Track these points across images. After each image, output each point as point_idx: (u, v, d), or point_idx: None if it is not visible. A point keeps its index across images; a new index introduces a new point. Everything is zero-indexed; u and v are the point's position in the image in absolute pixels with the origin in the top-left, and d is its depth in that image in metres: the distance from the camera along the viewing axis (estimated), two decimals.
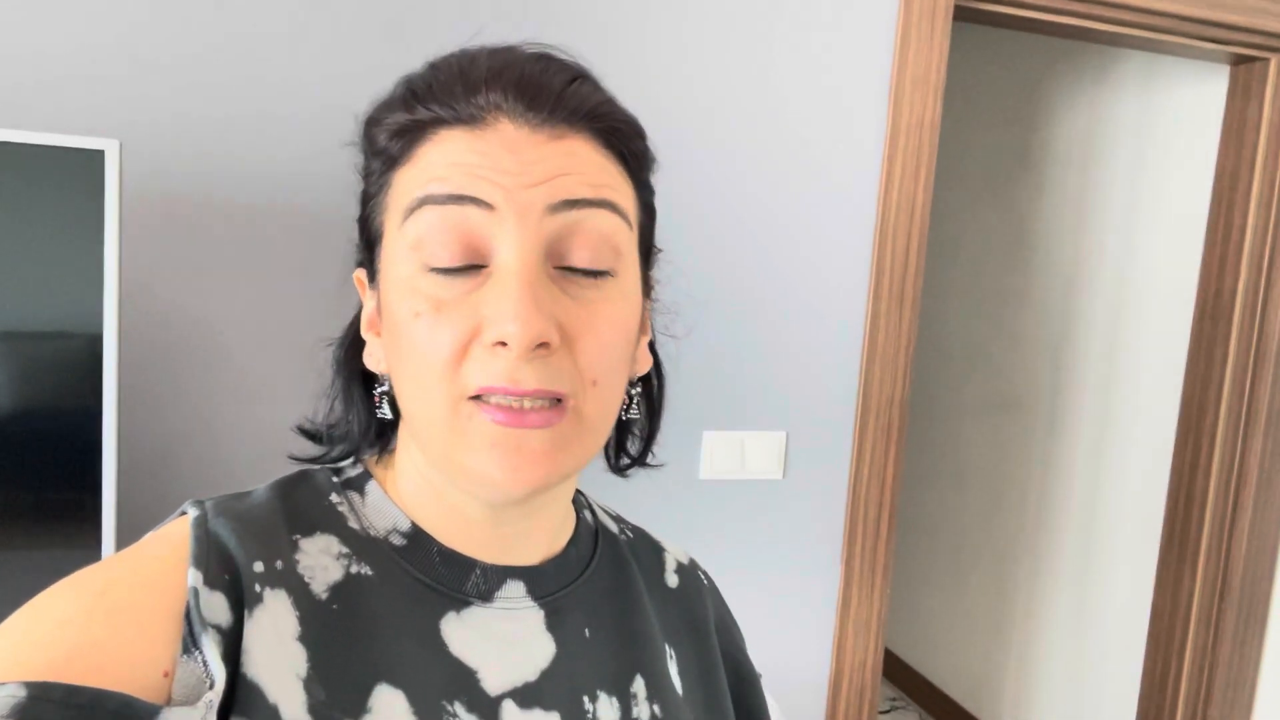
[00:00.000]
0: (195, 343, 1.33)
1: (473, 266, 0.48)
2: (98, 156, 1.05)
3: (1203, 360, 2.07)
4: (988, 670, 2.88)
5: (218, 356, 1.34)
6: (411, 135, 0.51)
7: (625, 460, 0.65)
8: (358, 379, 0.59)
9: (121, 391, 1.11)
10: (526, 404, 0.47)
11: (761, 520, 1.64)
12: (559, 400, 0.48)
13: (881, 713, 3.10)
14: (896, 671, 3.28)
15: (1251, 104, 1.97)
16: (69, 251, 1.06)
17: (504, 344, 0.46)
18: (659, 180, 0.58)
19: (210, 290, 1.32)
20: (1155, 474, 2.26)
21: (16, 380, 1.07)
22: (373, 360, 0.56)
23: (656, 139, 0.57)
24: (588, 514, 0.66)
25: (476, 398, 0.48)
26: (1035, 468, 2.72)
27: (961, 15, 1.68)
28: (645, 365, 0.60)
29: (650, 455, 0.65)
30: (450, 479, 0.52)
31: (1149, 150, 2.35)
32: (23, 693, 0.38)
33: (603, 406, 0.51)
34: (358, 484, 0.57)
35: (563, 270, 0.49)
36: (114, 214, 1.06)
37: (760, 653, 1.68)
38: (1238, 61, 1.98)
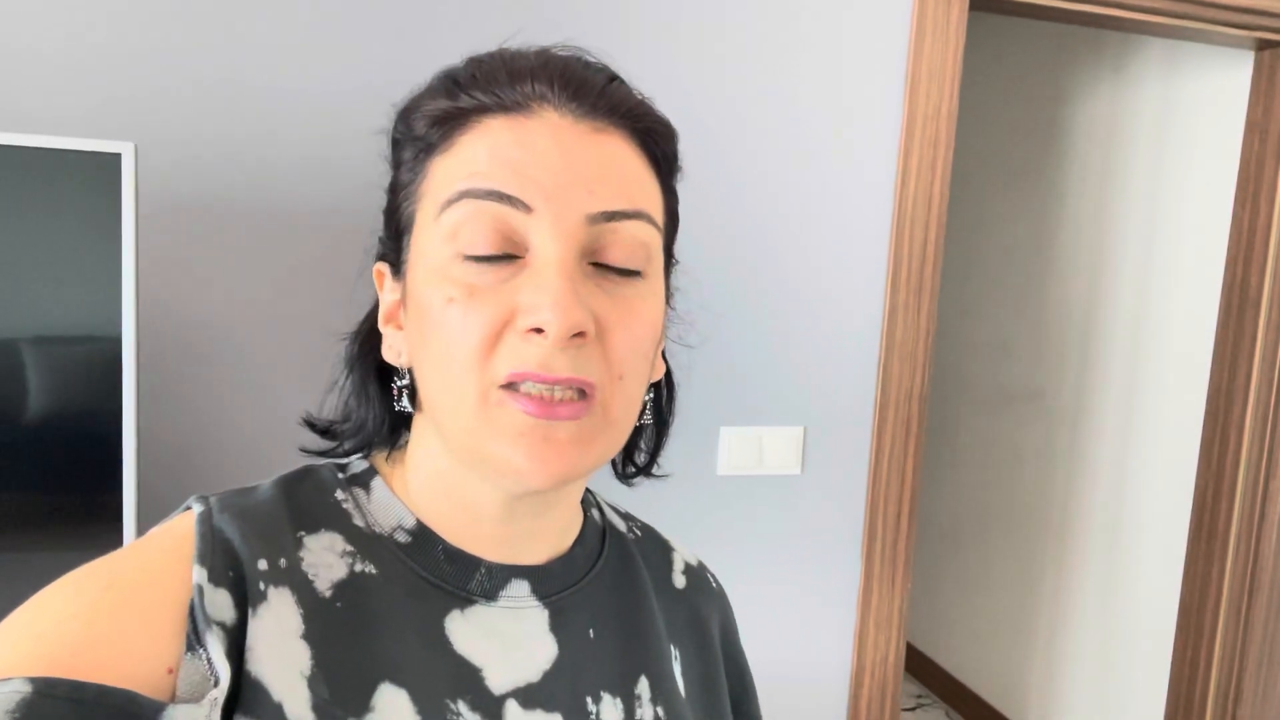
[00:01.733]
0: (213, 344, 1.34)
1: (508, 256, 0.48)
2: (114, 160, 1.06)
3: (1229, 351, 2.04)
4: (1014, 666, 2.86)
5: (235, 358, 1.35)
6: (452, 123, 0.51)
7: (631, 469, 0.65)
8: (373, 374, 0.59)
9: (140, 394, 1.12)
10: (557, 394, 0.47)
11: (780, 516, 1.64)
12: (584, 393, 0.48)
13: (907, 710, 3.09)
14: (922, 669, 3.26)
15: (1277, 90, 1.94)
16: (86, 254, 1.07)
17: (539, 331, 0.46)
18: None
19: (227, 291, 1.33)
20: (1182, 465, 2.23)
21: (36, 384, 1.08)
22: (392, 353, 0.56)
23: (681, 156, 0.58)
24: (595, 513, 0.65)
25: (507, 386, 0.48)
26: (1060, 459, 2.69)
27: (977, 5, 1.67)
28: (659, 372, 0.60)
29: (656, 465, 0.65)
30: (474, 469, 0.52)
31: (1172, 139, 2.31)
32: (27, 688, 0.38)
33: (627, 402, 0.51)
34: (363, 480, 0.57)
35: (596, 267, 0.50)
36: (131, 216, 1.07)
37: (781, 649, 1.68)
38: (1262, 47, 1.95)
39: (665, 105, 0.57)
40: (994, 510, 2.97)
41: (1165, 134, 2.34)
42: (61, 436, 1.09)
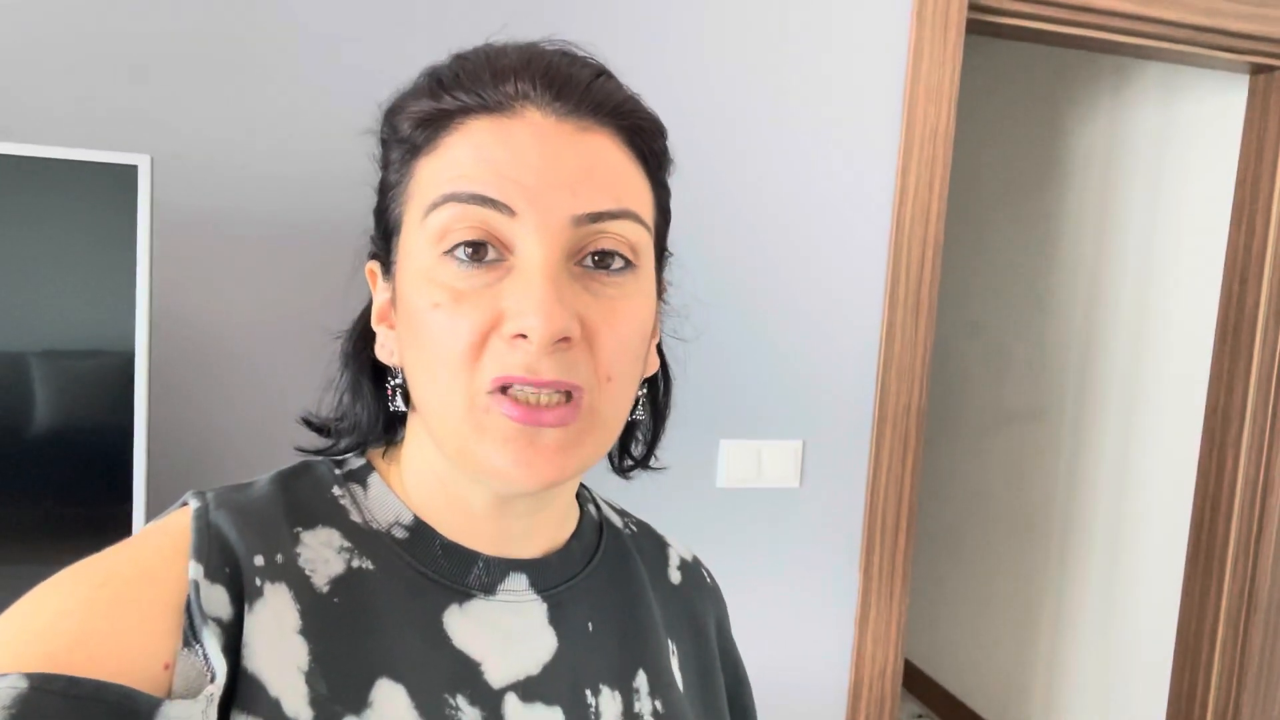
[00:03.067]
0: (225, 356, 1.35)
1: (494, 260, 0.48)
2: (130, 171, 1.06)
3: (1226, 370, 2.05)
4: (1014, 685, 2.85)
5: (248, 370, 1.36)
6: (436, 124, 0.51)
7: (629, 462, 0.65)
8: (367, 372, 0.59)
9: (152, 406, 1.12)
10: (543, 398, 0.47)
11: (779, 528, 1.65)
12: (571, 395, 0.48)
13: None
14: (922, 686, 3.25)
15: (1271, 113, 1.96)
16: (101, 266, 1.07)
17: (524, 336, 0.46)
18: (675, 188, 0.59)
19: (240, 303, 1.35)
20: (1180, 484, 2.24)
21: (49, 396, 1.07)
22: (384, 352, 0.56)
23: (671, 150, 0.59)
24: (592, 508, 0.66)
25: (494, 391, 0.48)
26: (1060, 478, 2.70)
27: (974, 28, 1.70)
28: (654, 367, 0.60)
29: (653, 458, 0.65)
30: (463, 471, 0.52)
31: (1169, 161, 2.34)
32: (24, 684, 0.38)
33: (616, 403, 0.51)
34: (360, 476, 0.57)
35: (583, 267, 0.50)
36: (146, 229, 1.07)
37: (778, 661, 1.68)
38: (1257, 71, 1.98)
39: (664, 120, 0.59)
40: (994, 528, 2.97)
41: (1162, 156, 2.36)
42: (73, 448, 1.09)
